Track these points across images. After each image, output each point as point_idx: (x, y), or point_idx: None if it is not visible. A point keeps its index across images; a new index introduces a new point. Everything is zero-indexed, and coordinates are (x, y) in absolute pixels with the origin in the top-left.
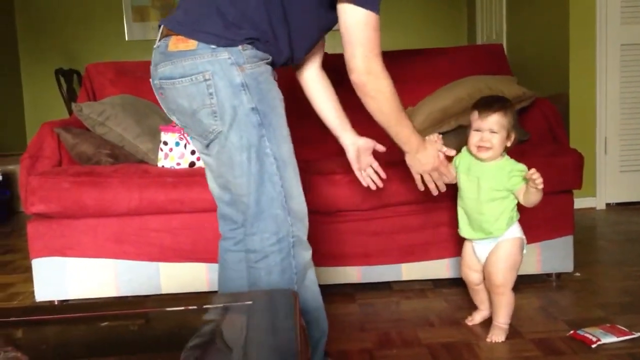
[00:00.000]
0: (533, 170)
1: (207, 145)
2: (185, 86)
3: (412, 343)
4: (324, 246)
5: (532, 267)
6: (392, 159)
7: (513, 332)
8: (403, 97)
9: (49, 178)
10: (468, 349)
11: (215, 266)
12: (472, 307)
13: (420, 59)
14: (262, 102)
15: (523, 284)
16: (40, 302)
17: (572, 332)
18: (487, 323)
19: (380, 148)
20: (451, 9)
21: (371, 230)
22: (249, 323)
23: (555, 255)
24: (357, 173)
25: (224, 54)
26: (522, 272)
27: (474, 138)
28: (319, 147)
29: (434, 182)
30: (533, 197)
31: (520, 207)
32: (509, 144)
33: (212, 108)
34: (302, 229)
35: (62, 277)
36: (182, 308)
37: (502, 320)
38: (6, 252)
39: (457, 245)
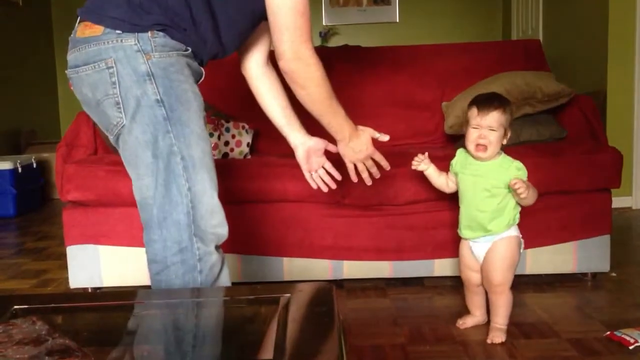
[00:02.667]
0: (515, 180)
1: (116, 141)
2: (89, 74)
3: (446, 339)
4: (357, 240)
5: (568, 266)
6: (435, 154)
7: (549, 331)
8: (439, 91)
9: (84, 166)
10: (503, 347)
11: (249, 258)
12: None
13: (456, 54)
14: (169, 94)
15: (558, 282)
16: (74, 288)
17: (608, 332)
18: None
19: (333, 149)
20: (486, 3)
21: (405, 225)
22: (288, 315)
23: (591, 255)
24: (305, 175)
25: (130, 40)
26: (557, 271)
27: (472, 135)
28: None
29: (367, 170)
30: (527, 200)
31: (553, 206)
32: (504, 142)
33: (115, 98)
34: (210, 238)
35: (95, 265)
36: (216, 298)
37: (501, 321)
38: (40, 239)
39: None
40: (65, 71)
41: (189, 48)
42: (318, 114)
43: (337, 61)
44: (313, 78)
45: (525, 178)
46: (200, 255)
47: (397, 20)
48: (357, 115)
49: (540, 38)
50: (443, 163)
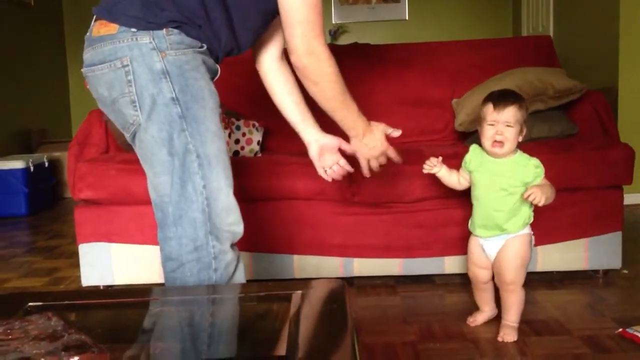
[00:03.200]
0: (529, 191)
1: (132, 139)
2: (104, 73)
3: (456, 337)
4: (367, 238)
5: (579, 263)
6: (445, 152)
7: (560, 328)
8: (449, 88)
9: (96, 165)
10: (514, 344)
11: (260, 255)
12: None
13: (466, 50)
14: (185, 92)
15: (569, 279)
16: (86, 286)
17: (620, 330)
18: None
19: (347, 148)
20: (496, 1)
21: (414, 223)
22: (301, 312)
23: (603, 252)
24: (319, 171)
25: (145, 37)
26: (569, 268)
27: (488, 132)
28: None
29: (379, 165)
30: (546, 202)
31: (564, 203)
32: (520, 139)
33: (131, 97)
34: (226, 236)
35: (107, 263)
36: (228, 295)
37: (513, 318)
38: (52, 237)
39: None
40: (82, 70)
41: (204, 45)
42: (331, 110)
43: (347, 59)
44: (326, 74)
45: (542, 175)
46: (215, 254)
47: (407, 18)
48: (366, 112)
49: (551, 34)
50: (453, 161)
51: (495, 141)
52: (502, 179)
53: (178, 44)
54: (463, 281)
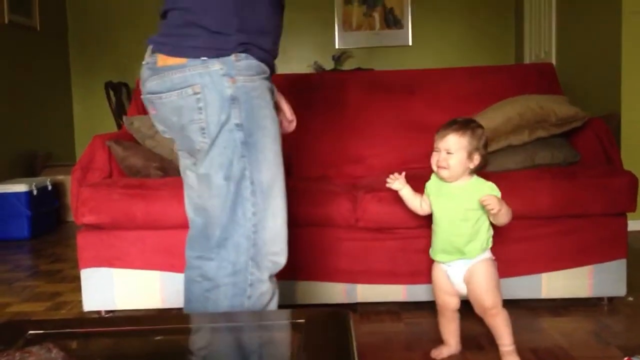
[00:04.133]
0: (485, 197)
1: (195, 162)
2: (173, 100)
3: None
4: (371, 263)
5: (583, 290)
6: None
7: (565, 356)
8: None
9: (99, 189)
10: None
11: None
12: (523, 331)
13: (469, 77)
14: (250, 119)
15: (573, 307)
16: (87, 311)
17: (626, 358)
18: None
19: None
20: (499, 27)
21: (419, 248)
22: (302, 341)
23: (607, 279)
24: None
25: (215, 65)
26: (573, 295)
27: (433, 158)
28: (365, 163)
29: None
30: (501, 218)
31: (568, 230)
32: (471, 166)
33: (201, 124)
34: (267, 266)
35: (109, 288)
36: (232, 324)
37: (508, 341)
38: (55, 261)
39: (509, 265)
40: (145, 96)
41: (267, 70)
42: None
43: (350, 84)
44: None
45: (499, 196)
46: (252, 281)
47: (410, 44)
48: (369, 137)
49: (553, 61)
50: None
51: (439, 166)
52: (459, 203)
53: (246, 70)
54: (467, 308)
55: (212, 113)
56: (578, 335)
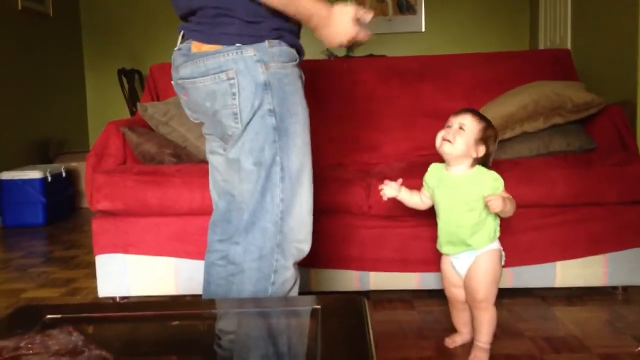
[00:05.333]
0: (488, 197)
1: (224, 147)
2: (207, 85)
3: None
4: (384, 251)
5: (598, 279)
6: None
7: (579, 345)
8: (466, 101)
9: (114, 176)
10: None
11: None
12: (536, 320)
13: (484, 63)
14: (282, 105)
15: (588, 296)
16: (102, 297)
17: None
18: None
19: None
20: (513, 13)
21: (432, 236)
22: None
23: (622, 268)
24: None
25: (250, 51)
26: (587, 284)
27: (439, 133)
28: (378, 151)
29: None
30: (505, 214)
31: (583, 218)
32: (474, 154)
33: (233, 109)
34: (292, 253)
35: (124, 274)
36: (247, 310)
37: (485, 339)
38: (69, 247)
39: (523, 253)
40: (177, 81)
41: (297, 57)
42: (282, 5)
43: (363, 70)
44: None
45: (501, 189)
46: (276, 267)
47: (423, 30)
48: (382, 124)
49: (569, 47)
50: None
51: (444, 139)
52: (461, 193)
53: (279, 57)
54: None
55: (246, 98)
56: (592, 324)
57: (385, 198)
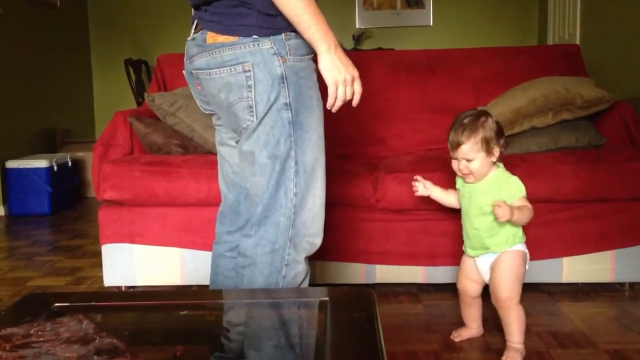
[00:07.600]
0: (497, 201)
1: (236, 139)
2: (222, 77)
3: (480, 348)
4: (391, 245)
5: (605, 275)
6: None
7: (586, 341)
8: (474, 96)
9: (121, 166)
10: (539, 357)
11: None
12: (543, 315)
13: (492, 57)
14: (297, 99)
15: (594, 292)
16: (108, 287)
17: None
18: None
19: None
20: (522, 7)
21: (439, 231)
22: (327, 319)
23: (629, 264)
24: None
25: (267, 43)
26: (594, 280)
27: (454, 165)
28: (386, 144)
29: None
30: (517, 223)
31: (591, 214)
32: (493, 159)
33: (249, 102)
34: (304, 247)
35: (130, 264)
36: (254, 300)
37: (516, 339)
38: (75, 237)
39: (530, 249)
40: (191, 71)
41: (312, 50)
42: (297, 16)
43: (371, 64)
44: None
45: (520, 195)
46: (288, 261)
47: (431, 24)
48: (390, 118)
49: (578, 42)
50: None
51: (463, 174)
52: (477, 198)
53: (296, 50)
54: (487, 292)
55: (262, 91)
56: (598, 320)
57: (417, 194)
